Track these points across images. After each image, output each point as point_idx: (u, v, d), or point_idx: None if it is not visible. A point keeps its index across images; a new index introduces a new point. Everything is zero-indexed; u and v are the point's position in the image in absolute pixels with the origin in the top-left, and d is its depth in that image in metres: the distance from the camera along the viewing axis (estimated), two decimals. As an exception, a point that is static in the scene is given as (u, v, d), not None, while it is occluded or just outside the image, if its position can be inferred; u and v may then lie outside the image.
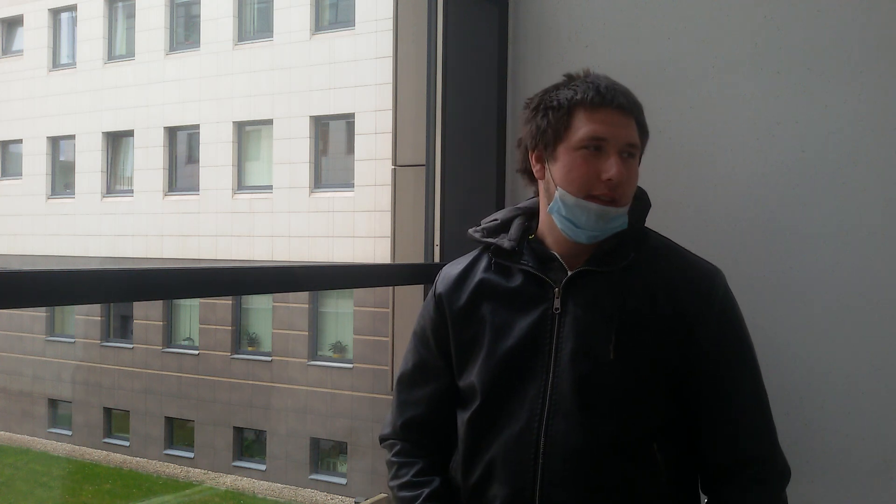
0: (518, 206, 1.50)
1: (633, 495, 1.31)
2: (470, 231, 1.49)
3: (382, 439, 1.55)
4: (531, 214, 1.46)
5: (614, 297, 1.33)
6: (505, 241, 1.41)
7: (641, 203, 1.42)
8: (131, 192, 13.69)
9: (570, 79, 1.38)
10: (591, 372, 1.31)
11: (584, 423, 1.30)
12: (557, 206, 1.34)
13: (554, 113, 1.34)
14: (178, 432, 13.03)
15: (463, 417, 1.42)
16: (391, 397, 1.58)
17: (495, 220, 1.48)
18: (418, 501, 1.41)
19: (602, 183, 1.29)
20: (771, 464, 1.34)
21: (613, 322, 1.31)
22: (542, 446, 1.31)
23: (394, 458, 1.50)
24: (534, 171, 1.41)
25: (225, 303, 12.55)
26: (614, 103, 1.31)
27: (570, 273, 1.35)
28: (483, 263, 1.45)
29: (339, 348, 12.18)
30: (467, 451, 1.40)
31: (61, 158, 14.58)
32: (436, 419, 1.48)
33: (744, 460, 1.33)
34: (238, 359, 12.66)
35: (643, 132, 1.37)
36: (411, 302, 2.15)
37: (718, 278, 1.37)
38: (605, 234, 1.33)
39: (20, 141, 14.71)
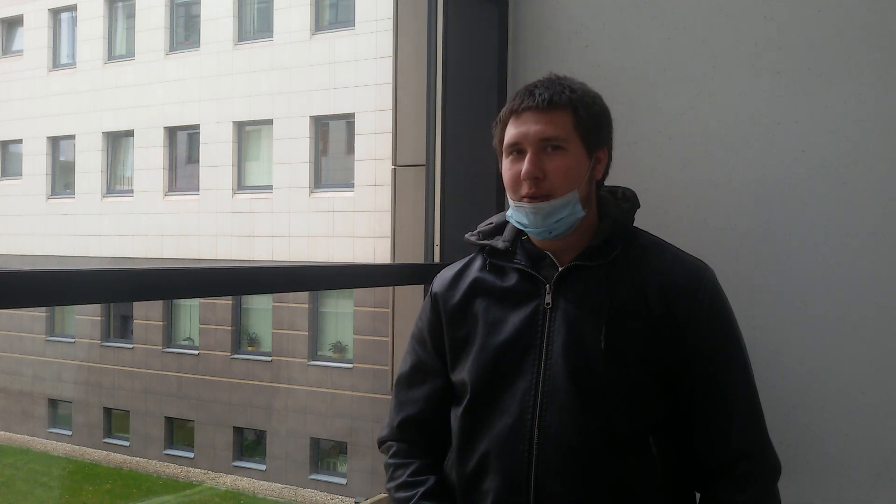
0: None
1: (628, 490, 1.32)
2: (466, 235, 1.52)
3: (380, 442, 1.56)
4: None
5: (604, 291, 1.35)
6: (499, 242, 1.45)
7: (629, 203, 1.44)
8: (131, 192, 13.69)
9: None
10: (584, 363, 1.32)
11: (578, 416, 1.31)
12: (510, 212, 1.41)
13: (496, 128, 1.42)
14: (178, 432, 13.02)
15: (456, 413, 1.43)
16: (391, 398, 1.58)
17: (490, 223, 1.51)
18: (413, 500, 1.42)
19: (523, 183, 1.34)
20: (762, 459, 1.35)
21: (603, 314, 1.33)
22: (535, 438, 1.32)
23: (390, 461, 1.51)
24: None
25: (225, 303, 12.55)
26: (524, 105, 1.35)
27: (560, 269, 1.37)
28: (478, 264, 1.48)
29: (339, 348, 12.17)
30: (461, 445, 1.41)
31: (61, 158, 14.57)
32: (433, 418, 1.49)
33: (736, 456, 1.34)
34: (238, 359, 12.66)
35: (579, 119, 1.35)
36: (411, 302, 2.15)
37: (707, 274, 1.39)
38: (555, 230, 1.36)
39: (20, 141, 14.71)
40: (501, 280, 1.42)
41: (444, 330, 1.46)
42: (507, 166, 1.37)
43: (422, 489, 1.43)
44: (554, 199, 1.33)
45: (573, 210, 1.35)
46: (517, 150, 1.35)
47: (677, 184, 1.97)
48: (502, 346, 1.37)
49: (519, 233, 1.46)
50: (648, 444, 1.32)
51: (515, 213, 1.38)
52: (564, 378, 1.32)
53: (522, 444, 1.33)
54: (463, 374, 1.41)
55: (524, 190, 1.34)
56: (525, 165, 1.32)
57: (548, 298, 1.37)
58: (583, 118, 1.36)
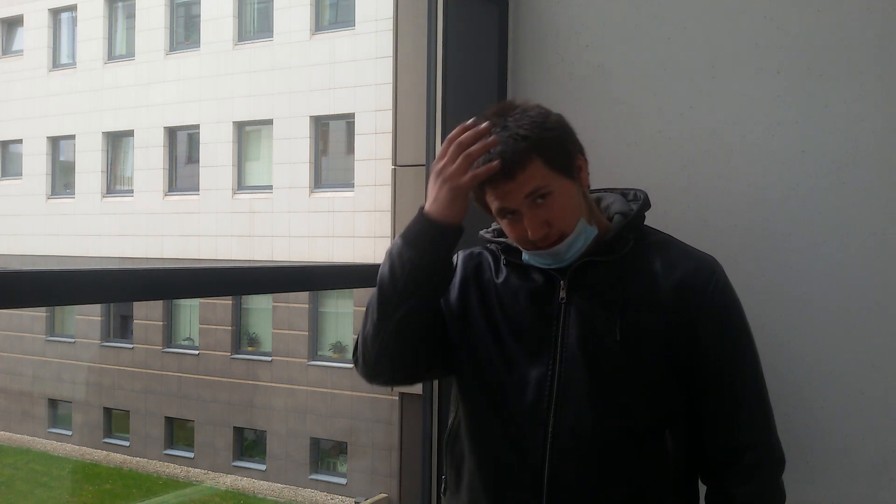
0: None
1: (643, 481, 1.34)
2: (481, 232, 1.52)
3: (354, 352, 1.49)
4: None
5: (617, 285, 1.36)
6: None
7: (639, 202, 1.45)
8: (131, 192, 13.67)
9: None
10: (600, 354, 1.34)
11: (594, 407, 1.33)
12: (527, 256, 1.39)
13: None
14: (178, 432, 13.01)
15: (468, 397, 1.44)
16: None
17: None
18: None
19: (531, 240, 1.32)
20: (768, 450, 1.38)
21: (617, 307, 1.35)
22: (550, 427, 1.33)
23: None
24: None
25: (225, 303, 12.54)
26: (501, 173, 1.29)
27: (574, 265, 1.38)
28: (491, 259, 1.49)
29: (339, 348, 12.17)
30: (471, 430, 1.42)
31: (61, 158, 14.56)
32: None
33: (743, 447, 1.36)
34: (238, 359, 12.65)
35: (548, 158, 1.30)
36: (411, 302, 2.14)
37: (717, 268, 1.41)
38: (574, 257, 1.36)
39: (20, 141, 14.69)
40: (517, 276, 1.43)
41: (457, 286, 1.46)
42: (506, 226, 1.36)
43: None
44: (567, 237, 1.33)
45: (587, 234, 1.35)
46: (509, 212, 1.33)
47: (677, 184, 1.97)
48: (519, 338, 1.38)
49: None
50: (664, 437, 1.34)
51: (534, 258, 1.37)
52: (581, 369, 1.34)
53: (538, 433, 1.34)
54: (478, 361, 1.42)
55: (536, 242, 1.33)
56: (529, 231, 1.31)
57: (562, 293, 1.38)
58: (551, 155, 1.30)
